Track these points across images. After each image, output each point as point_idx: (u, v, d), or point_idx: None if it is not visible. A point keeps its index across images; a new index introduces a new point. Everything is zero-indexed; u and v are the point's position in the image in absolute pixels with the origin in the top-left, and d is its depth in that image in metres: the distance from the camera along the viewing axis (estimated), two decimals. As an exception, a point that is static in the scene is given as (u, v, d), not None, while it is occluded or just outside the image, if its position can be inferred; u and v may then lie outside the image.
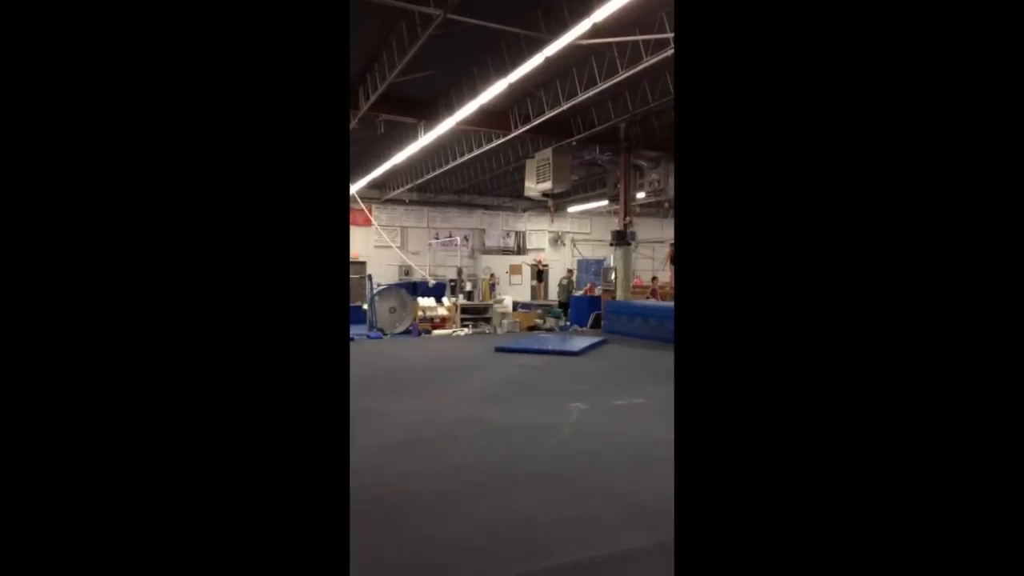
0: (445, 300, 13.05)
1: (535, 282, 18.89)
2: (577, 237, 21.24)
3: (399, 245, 18.00)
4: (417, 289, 13.29)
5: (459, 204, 19.91)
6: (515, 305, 15.62)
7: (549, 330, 12.44)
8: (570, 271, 17.19)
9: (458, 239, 17.85)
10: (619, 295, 12.21)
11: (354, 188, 15.15)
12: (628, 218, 12.28)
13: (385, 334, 11.09)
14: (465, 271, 15.30)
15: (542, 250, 20.97)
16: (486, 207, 20.36)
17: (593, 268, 17.14)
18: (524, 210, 20.66)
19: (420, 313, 11.95)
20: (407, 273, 17.43)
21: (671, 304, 11.59)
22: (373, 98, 8.98)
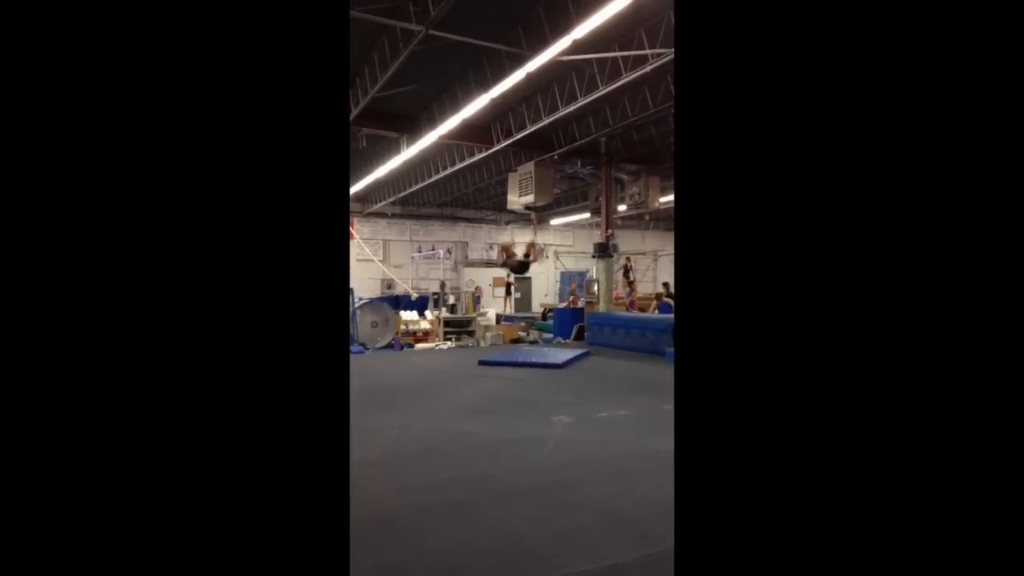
0: (428, 313, 13.01)
1: (505, 295, 18.78)
2: (560, 249, 21.30)
3: (381, 259, 17.91)
4: (399, 303, 13.22)
5: (442, 217, 19.91)
6: (498, 318, 15.61)
7: (533, 342, 12.45)
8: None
9: (441, 252, 17.80)
10: (601, 306, 12.26)
11: (336, 202, 15.03)
12: (610, 230, 12.37)
13: (367, 349, 11.00)
14: (448, 284, 15.27)
15: (525, 262, 21.01)
16: (469, 220, 20.38)
17: (576, 280, 17.19)
18: (507, 223, 20.72)
19: (403, 327, 11.89)
20: (389, 287, 17.33)
21: (652, 316, 11.67)
22: (355, 112, 8.98)
